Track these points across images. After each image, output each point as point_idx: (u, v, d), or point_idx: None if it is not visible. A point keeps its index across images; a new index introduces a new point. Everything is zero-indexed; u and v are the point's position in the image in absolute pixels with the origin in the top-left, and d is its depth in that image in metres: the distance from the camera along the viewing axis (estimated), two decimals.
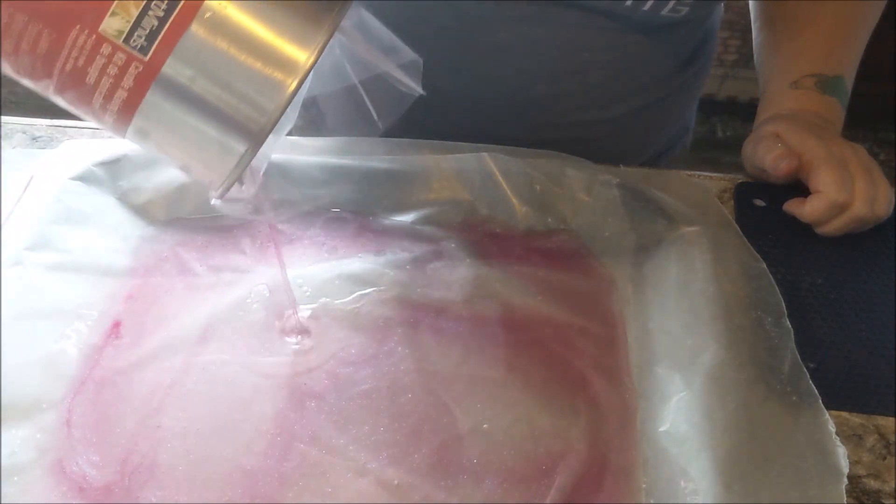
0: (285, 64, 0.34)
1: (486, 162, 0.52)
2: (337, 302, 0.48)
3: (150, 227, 0.51)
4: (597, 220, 0.51)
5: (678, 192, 0.52)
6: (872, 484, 0.40)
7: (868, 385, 0.44)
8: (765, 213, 0.54)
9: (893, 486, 0.40)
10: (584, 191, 0.52)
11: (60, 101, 0.36)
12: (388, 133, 0.48)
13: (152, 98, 0.34)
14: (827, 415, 0.40)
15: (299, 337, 0.46)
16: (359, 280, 0.49)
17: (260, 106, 0.34)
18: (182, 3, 0.33)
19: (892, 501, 0.39)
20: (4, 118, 0.57)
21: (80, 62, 0.33)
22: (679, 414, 0.41)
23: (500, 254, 0.51)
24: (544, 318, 0.47)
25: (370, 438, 0.41)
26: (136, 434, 0.41)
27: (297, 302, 0.47)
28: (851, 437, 0.42)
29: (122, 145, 0.52)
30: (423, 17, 0.57)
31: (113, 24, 0.33)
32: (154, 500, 0.39)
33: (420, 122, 0.52)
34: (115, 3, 0.32)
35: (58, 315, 0.45)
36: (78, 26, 0.33)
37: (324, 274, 0.49)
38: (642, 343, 0.46)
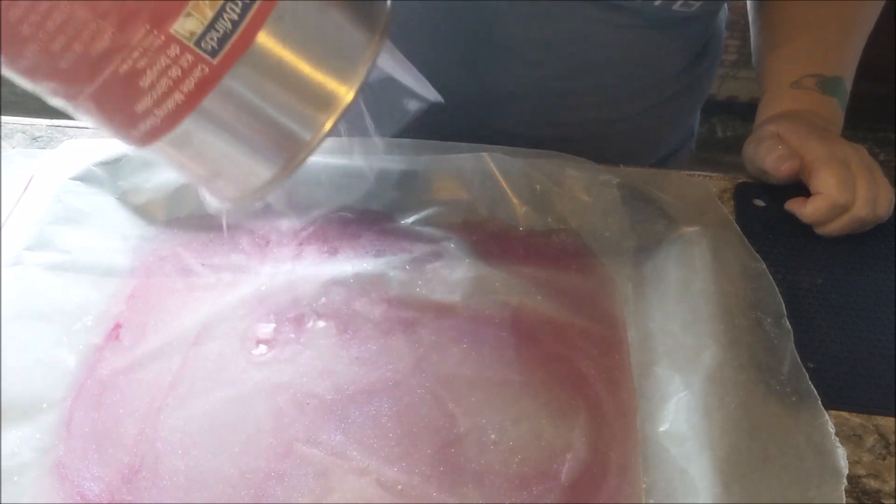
0: (341, 74, 0.34)
1: (486, 162, 0.52)
2: (337, 302, 0.48)
3: (150, 227, 0.51)
4: (597, 220, 0.51)
5: (678, 192, 0.52)
6: (872, 484, 0.40)
7: (868, 385, 0.44)
8: (765, 213, 0.54)
9: (893, 486, 0.40)
10: (584, 191, 0.52)
11: (81, 107, 0.35)
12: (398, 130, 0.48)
13: (209, 103, 0.33)
14: (826, 415, 0.40)
15: (298, 337, 0.46)
16: (359, 280, 0.49)
17: (311, 119, 0.34)
18: (256, 6, 0.32)
19: (892, 501, 0.39)
20: (4, 118, 0.57)
21: (141, 63, 0.32)
22: (679, 414, 0.41)
23: (500, 254, 0.51)
24: (544, 318, 0.47)
25: (370, 438, 0.41)
26: (136, 434, 0.41)
27: (297, 302, 0.47)
28: (851, 437, 0.42)
29: (122, 145, 0.52)
30: (435, 15, 0.57)
31: (186, 25, 0.31)
32: (154, 500, 0.39)
33: (430, 120, 0.52)
34: (190, 3, 0.31)
35: (58, 315, 0.45)
36: (147, 26, 0.31)
37: (324, 274, 0.49)
38: (642, 343, 0.46)
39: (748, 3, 0.64)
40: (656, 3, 0.53)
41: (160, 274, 0.49)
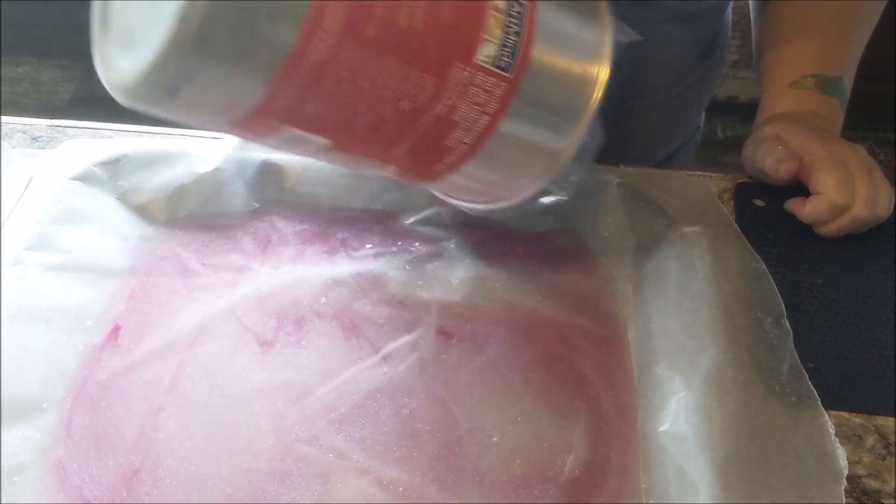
0: (591, 57, 0.37)
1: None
2: (337, 302, 0.48)
3: (150, 227, 0.51)
4: (597, 220, 0.51)
5: (678, 192, 0.52)
6: (872, 484, 0.40)
7: (868, 385, 0.44)
8: (765, 213, 0.54)
9: (893, 486, 0.40)
10: (585, 191, 0.52)
11: (390, 164, 0.37)
12: None
13: (508, 115, 0.35)
14: (826, 416, 0.40)
15: (299, 337, 0.46)
16: (359, 280, 0.49)
17: (578, 103, 0.37)
18: (528, 13, 0.34)
19: (892, 501, 0.39)
20: (4, 118, 0.57)
21: (454, 100, 0.34)
22: (679, 414, 0.41)
23: (500, 254, 0.51)
24: (544, 318, 0.48)
25: (370, 438, 0.41)
26: (136, 434, 0.41)
27: (297, 302, 0.47)
28: (851, 438, 0.42)
29: (122, 145, 0.52)
30: None
31: (485, 51, 0.33)
32: (153, 501, 0.39)
33: None
34: (484, 28, 0.33)
35: (58, 315, 0.45)
36: (459, 64, 0.33)
37: (324, 274, 0.49)
38: (642, 343, 0.46)
39: (750, 2, 0.64)
40: None
41: (160, 274, 0.49)
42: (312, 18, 0.30)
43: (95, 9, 0.34)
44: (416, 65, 0.32)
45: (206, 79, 0.31)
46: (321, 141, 0.35)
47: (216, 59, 0.30)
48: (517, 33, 0.34)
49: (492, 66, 0.34)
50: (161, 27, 0.29)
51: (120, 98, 0.32)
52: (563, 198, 0.48)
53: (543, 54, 0.35)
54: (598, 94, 0.37)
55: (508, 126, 0.36)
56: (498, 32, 0.33)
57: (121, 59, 0.33)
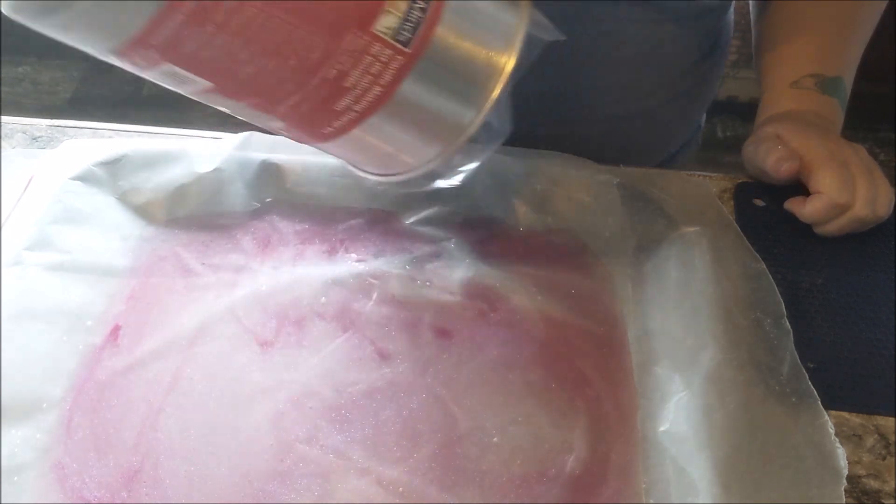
0: (501, 46, 0.37)
1: (485, 162, 0.52)
2: (337, 302, 0.48)
3: (150, 227, 0.51)
4: (597, 220, 0.51)
5: (678, 192, 0.52)
6: (872, 484, 0.40)
7: (868, 385, 0.44)
8: (765, 213, 0.54)
9: (893, 486, 0.40)
10: (584, 191, 0.52)
11: (277, 118, 0.36)
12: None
13: (400, 91, 0.35)
14: (826, 416, 0.40)
15: (299, 337, 0.46)
16: (359, 280, 0.49)
17: (479, 91, 0.37)
18: None
19: (892, 501, 0.39)
20: (4, 118, 0.57)
21: (347, 65, 0.34)
22: (679, 414, 0.41)
23: (500, 254, 0.51)
24: (544, 318, 0.48)
25: (370, 438, 0.41)
26: (136, 434, 0.41)
27: (297, 302, 0.47)
28: (851, 438, 0.42)
29: (122, 145, 0.52)
30: None
31: (385, 22, 0.33)
32: (153, 501, 0.39)
33: None
34: (387, 1, 0.33)
35: (58, 315, 0.45)
36: (355, 30, 0.33)
37: (324, 274, 0.49)
38: (642, 343, 0.46)
39: (750, 2, 0.64)
40: None
41: (160, 274, 0.49)
42: None
43: None
44: (308, 23, 0.32)
45: (86, 3, 0.30)
46: (203, 83, 0.34)
47: None
48: (423, 9, 0.34)
49: (391, 38, 0.33)
50: None
51: (3, 8, 0.32)
52: (454, 184, 0.47)
53: (448, 35, 0.35)
54: (500, 84, 0.37)
55: (401, 101, 0.36)
56: (402, 5, 0.33)
57: None
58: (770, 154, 0.53)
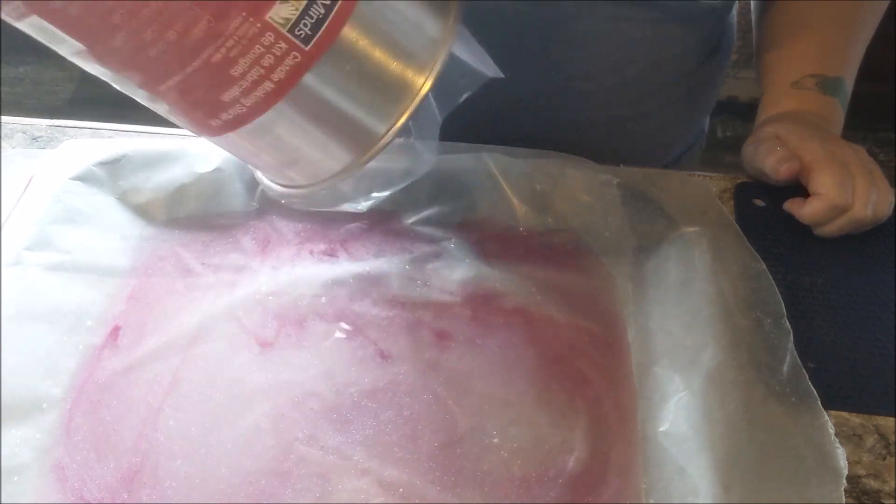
0: (417, 66, 0.34)
1: (485, 162, 0.52)
2: (337, 302, 0.48)
3: (150, 227, 0.51)
4: (597, 220, 0.51)
5: (678, 192, 0.52)
6: (872, 484, 0.40)
7: (868, 385, 0.44)
8: (765, 213, 0.54)
9: (893, 486, 0.40)
10: (584, 191, 0.52)
11: (161, 97, 0.33)
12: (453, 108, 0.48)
13: (296, 92, 0.32)
14: (826, 416, 0.40)
15: (299, 338, 0.46)
16: (359, 280, 0.49)
17: (388, 110, 0.34)
18: None
19: (892, 501, 0.39)
20: (4, 118, 0.57)
21: (234, 52, 0.31)
22: (679, 414, 0.41)
23: (500, 254, 0.51)
24: (544, 318, 0.47)
25: (370, 438, 0.41)
26: (136, 434, 0.41)
27: (297, 302, 0.47)
28: (851, 437, 0.42)
29: (122, 145, 0.52)
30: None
31: (281, 12, 0.31)
32: (153, 501, 0.39)
33: (450, 121, 0.52)
34: None
35: (58, 315, 0.45)
36: (244, 13, 0.30)
37: (324, 274, 0.49)
38: (642, 343, 0.46)
39: (752, 3, 0.64)
40: None
41: (160, 274, 0.49)
42: None
43: None
44: (202, 2, 0.30)
45: None
46: (75, 44, 0.32)
47: None
48: (327, 6, 0.31)
49: (286, 31, 0.31)
50: None
51: None
52: (360, 209, 0.45)
53: (357, 39, 0.32)
54: (412, 106, 0.34)
55: (297, 104, 0.33)
56: None
57: None
58: (770, 155, 0.53)
